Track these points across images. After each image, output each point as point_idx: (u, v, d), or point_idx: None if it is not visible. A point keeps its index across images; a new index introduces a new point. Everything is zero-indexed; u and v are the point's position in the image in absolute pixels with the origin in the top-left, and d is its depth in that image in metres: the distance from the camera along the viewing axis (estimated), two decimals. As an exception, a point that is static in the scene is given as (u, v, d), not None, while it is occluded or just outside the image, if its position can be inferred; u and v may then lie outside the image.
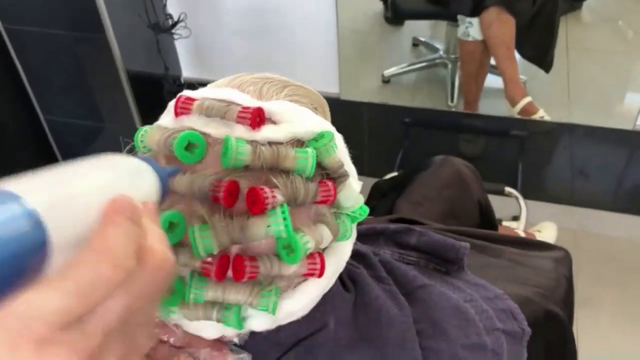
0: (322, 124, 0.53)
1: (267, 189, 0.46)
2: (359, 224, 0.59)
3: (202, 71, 2.00)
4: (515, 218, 1.83)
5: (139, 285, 0.29)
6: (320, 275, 0.51)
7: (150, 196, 0.36)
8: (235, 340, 0.55)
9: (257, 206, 0.46)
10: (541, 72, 1.99)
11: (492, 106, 2.10)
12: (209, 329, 0.53)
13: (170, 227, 0.47)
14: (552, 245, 1.00)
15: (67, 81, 1.85)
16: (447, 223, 1.13)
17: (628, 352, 1.70)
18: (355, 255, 0.70)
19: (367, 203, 0.53)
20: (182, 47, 1.93)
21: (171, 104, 0.54)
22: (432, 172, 1.22)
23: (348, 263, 0.57)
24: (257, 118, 0.49)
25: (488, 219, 1.28)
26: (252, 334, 0.55)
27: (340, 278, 0.61)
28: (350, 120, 2.03)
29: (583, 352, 1.36)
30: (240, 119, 0.49)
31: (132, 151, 0.54)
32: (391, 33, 2.38)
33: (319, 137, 0.51)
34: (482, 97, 2.08)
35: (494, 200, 1.37)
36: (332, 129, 0.54)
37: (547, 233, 1.81)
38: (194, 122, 0.50)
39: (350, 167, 0.55)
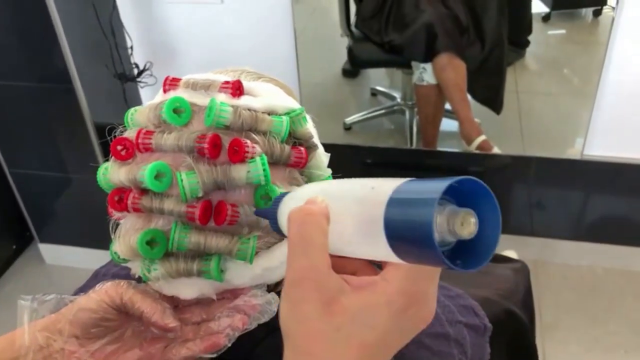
0: (294, 102, 0.59)
1: (247, 141, 0.52)
2: None
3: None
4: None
5: None
6: None
7: None
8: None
9: (239, 154, 0.51)
10: (493, 115, 2.10)
11: (449, 148, 2.20)
12: (188, 288, 0.54)
13: (157, 176, 0.51)
14: (511, 259, 1.06)
15: (33, 133, 1.86)
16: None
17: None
18: None
19: None
20: (146, 96, 1.98)
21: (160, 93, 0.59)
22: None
23: None
24: (238, 89, 0.55)
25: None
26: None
27: None
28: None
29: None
30: (222, 89, 0.55)
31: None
32: (350, 85, 2.48)
33: (290, 111, 0.57)
34: (439, 140, 2.17)
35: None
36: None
37: (508, 260, 1.87)
38: (181, 93, 0.56)
39: (319, 143, 0.60)
